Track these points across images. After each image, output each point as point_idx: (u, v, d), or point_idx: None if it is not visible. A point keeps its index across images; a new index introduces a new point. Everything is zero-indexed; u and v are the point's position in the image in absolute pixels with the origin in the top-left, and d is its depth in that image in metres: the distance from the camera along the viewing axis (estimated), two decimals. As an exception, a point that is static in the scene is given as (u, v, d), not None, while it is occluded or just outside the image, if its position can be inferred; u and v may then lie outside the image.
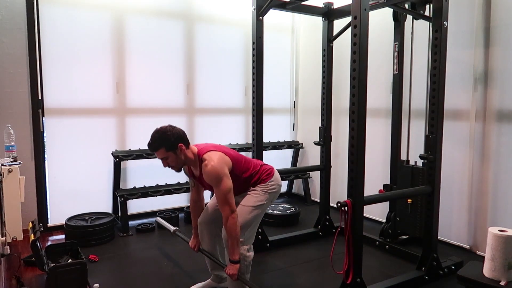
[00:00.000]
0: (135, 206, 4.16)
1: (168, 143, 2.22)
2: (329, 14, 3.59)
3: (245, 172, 2.40)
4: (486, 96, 3.16)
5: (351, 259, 2.32)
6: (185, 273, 2.95)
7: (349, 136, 2.34)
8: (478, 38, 3.17)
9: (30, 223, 2.81)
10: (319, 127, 3.69)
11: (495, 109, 3.12)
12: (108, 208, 4.03)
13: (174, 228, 2.95)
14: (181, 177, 3.98)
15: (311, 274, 2.95)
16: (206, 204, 2.60)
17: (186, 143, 2.28)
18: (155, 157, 2.32)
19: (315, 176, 4.83)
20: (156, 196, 4.03)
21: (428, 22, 3.01)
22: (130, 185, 4.10)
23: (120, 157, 3.89)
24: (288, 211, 4.16)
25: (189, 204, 4.40)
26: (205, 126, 4.55)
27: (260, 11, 3.13)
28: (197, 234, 2.61)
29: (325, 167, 3.72)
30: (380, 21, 3.53)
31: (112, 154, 3.92)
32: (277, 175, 2.53)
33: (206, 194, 2.54)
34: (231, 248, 2.26)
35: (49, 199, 3.82)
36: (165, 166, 2.32)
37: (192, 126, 4.48)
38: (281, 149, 4.94)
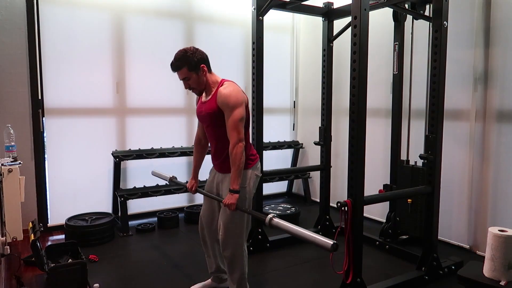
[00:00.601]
0: (135, 206, 4.16)
1: (191, 63, 2.20)
2: (329, 14, 3.59)
3: (245, 131, 2.29)
4: (486, 96, 3.16)
5: (351, 259, 2.32)
6: (185, 273, 2.95)
7: (349, 136, 2.34)
8: (478, 38, 3.17)
9: (30, 223, 2.81)
10: (319, 127, 3.69)
11: (495, 109, 3.12)
12: (108, 208, 4.03)
13: (170, 176, 2.86)
14: (181, 177, 3.98)
15: (311, 274, 2.95)
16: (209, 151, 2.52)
17: (209, 66, 2.28)
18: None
19: (315, 176, 4.83)
20: (156, 196, 4.03)
21: (428, 22, 3.01)
22: (130, 185, 4.10)
23: (120, 157, 3.89)
24: (288, 211, 4.16)
25: (189, 204, 4.44)
26: (205, 126, 4.55)
27: (260, 11, 3.13)
28: (195, 174, 2.59)
29: (325, 167, 3.72)
30: (380, 21, 3.52)
31: (112, 154, 3.92)
32: (258, 164, 2.43)
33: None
34: (233, 177, 2.18)
35: (49, 199, 3.82)
36: (186, 87, 2.30)
37: (192, 126, 4.47)
38: (281, 149, 4.94)
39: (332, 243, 1.78)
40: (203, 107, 2.33)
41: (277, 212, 4.10)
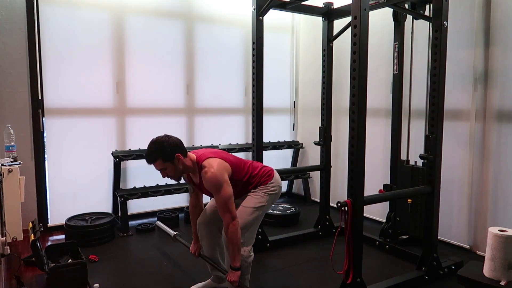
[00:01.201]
0: (135, 206, 4.16)
1: (165, 154, 2.20)
2: (329, 14, 3.59)
3: (245, 176, 2.39)
4: (486, 96, 3.16)
5: (351, 259, 2.32)
6: (185, 273, 2.94)
7: (349, 136, 2.34)
8: (478, 38, 3.17)
9: (30, 223, 2.81)
10: (319, 127, 3.69)
11: (495, 109, 3.12)
12: (108, 208, 4.03)
13: (175, 233, 2.94)
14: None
15: (311, 274, 2.95)
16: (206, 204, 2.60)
17: (184, 152, 2.27)
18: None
19: (315, 176, 4.83)
20: (156, 196, 4.03)
21: (428, 22, 3.01)
22: (130, 185, 4.10)
23: (120, 157, 3.89)
24: (288, 211, 4.16)
25: (189, 204, 4.43)
26: (205, 126, 4.55)
27: (260, 11, 3.13)
28: (197, 239, 2.60)
29: (325, 167, 3.72)
30: (380, 21, 3.53)
31: (112, 154, 3.92)
32: (277, 176, 2.52)
33: (205, 198, 2.53)
34: (232, 255, 2.25)
35: (49, 199, 3.82)
36: (164, 176, 2.30)
37: (192, 126, 4.48)
38: (281, 149, 4.94)
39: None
40: (203, 188, 2.36)
41: (277, 212, 4.10)
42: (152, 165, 2.26)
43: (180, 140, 2.29)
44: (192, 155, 2.32)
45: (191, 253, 2.63)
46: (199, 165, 2.28)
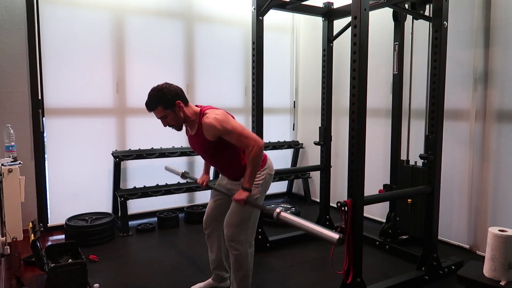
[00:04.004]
0: (135, 206, 4.16)
1: (165, 101, 2.16)
2: (329, 14, 3.59)
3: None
4: (486, 96, 3.16)
5: (351, 259, 2.32)
6: (185, 273, 2.94)
7: (349, 136, 2.34)
8: (478, 38, 3.17)
9: (30, 223, 2.81)
10: (319, 127, 3.69)
11: (495, 109, 3.12)
12: (108, 208, 4.03)
13: (183, 171, 2.89)
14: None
15: (311, 274, 2.95)
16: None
17: (185, 100, 2.23)
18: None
19: (315, 176, 4.83)
20: (156, 196, 4.03)
21: (428, 22, 3.02)
22: (130, 185, 4.10)
23: (120, 157, 3.89)
24: (288, 211, 4.15)
25: (189, 204, 4.45)
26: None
27: (260, 11, 3.13)
28: (207, 170, 2.61)
29: (325, 167, 3.72)
30: (380, 21, 3.53)
31: (112, 154, 3.92)
32: (270, 162, 2.44)
33: (206, 198, 2.53)
34: (249, 175, 2.18)
35: (49, 199, 3.82)
36: (165, 125, 2.26)
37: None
38: (281, 149, 4.94)
39: (338, 237, 1.78)
40: (194, 142, 2.34)
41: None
42: (152, 161, 2.18)
43: (181, 88, 2.25)
44: (195, 107, 2.29)
45: (199, 183, 2.61)
46: (202, 113, 2.23)
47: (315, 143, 3.72)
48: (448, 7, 2.65)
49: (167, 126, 2.28)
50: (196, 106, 2.31)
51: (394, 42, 3.40)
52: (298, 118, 5.23)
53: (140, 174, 4.17)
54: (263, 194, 2.39)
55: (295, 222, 1.99)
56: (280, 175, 4.63)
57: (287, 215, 2.03)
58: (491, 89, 3.13)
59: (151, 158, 4.03)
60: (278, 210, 2.05)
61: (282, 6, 3.29)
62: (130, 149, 4.08)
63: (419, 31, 3.45)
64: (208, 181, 2.60)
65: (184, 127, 2.34)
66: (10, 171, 2.93)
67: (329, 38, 3.61)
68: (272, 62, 4.70)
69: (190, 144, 2.43)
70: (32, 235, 2.59)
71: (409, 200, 3.27)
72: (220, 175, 2.53)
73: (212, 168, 2.69)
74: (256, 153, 2.16)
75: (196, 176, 2.84)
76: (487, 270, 2.17)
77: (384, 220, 3.63)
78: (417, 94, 3.46)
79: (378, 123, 4.03)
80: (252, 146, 2.15)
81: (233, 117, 2.30)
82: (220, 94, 4.63)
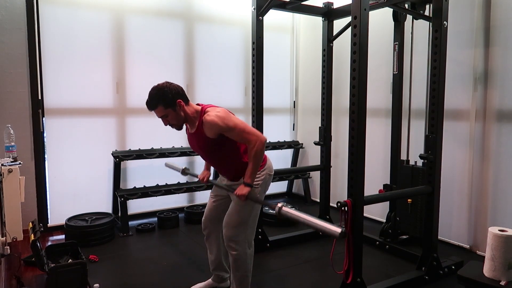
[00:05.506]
0: (135, 206, 4.16)
1: (166, 100, 2.16)
2: (329, 14, 3.59)
3: (242, 144, 2.30)
4: (486, 96, 3.16)
5: (351, 259, 2.32)
6: (185, 273, 2.95)
7: (349, 136, 2.34)
8: (478, 38, 3.17)
9: (30, 223, 2.81)
10: (319, 127, 3.69)
11: (495, 109, 3.12)
12: (108, 208, 4.03)
13: (183, 168, 2.88)
14: (181, 177, 3.98)
15: (311, 274, 2.95)
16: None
17: (185, 99, 2.23)
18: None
19: (315, 176, 4.83)
20: (156, 196, 4.03)
21: (428, 22, 3.02)
22: (130, 185, 4.10)
23: (120, 157, 3.89)
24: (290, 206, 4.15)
25: (189, 204, 4.44)
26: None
27: (260, 11, 3.13)
28: (207, 167, 2.61)
29: (325, 167, 3.72)
30: (380, 21, 3.53)
31: (112, 154, 3.92)
32: (269, 162, 2.44)
33: (205, 198, 2.53)
34: (250, 171, 2.19)
35: (49, 199, 3.82)
36: (165, 124, 2.26)
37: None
38: (281, 149, 4.94)
39: (340, 230, 1.78)
40: (193, 140, 2.33)
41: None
42: (152, 161, 2.19)
43: (181, 87, 2.25)
44: (196, 106, 2.29)
45: (200, 179, 2.61)
46: (203, 111, 2.23)
47: (315, 143, 3.72)
48: (448, 7, 2.65)
49: (168, 125, 2.28)
50: (197, 104, 2.32)
51: (394, 42, 3.40)
52: (298, 118, 5.23)
53: (140, 174, 4.17)
54: (262, 194, 2.39)
55: (297, 216, 1.99)
56: (280, 175, 4.63)
57: (289, 210, 2.04)
58: (491, 89, 3.13)
59: (151, 158, 4.03)
60: (280, 204, 2.05)
61: (282, 6, 3.29)
62: (130, 149, 4.08)
63: (419, 31, 3.45)
64: (209, 176, 2.60)
65: (184, 126, 2.34)
66: (10, 171, 2.92)
67: (329, 38, 3.61)
68: (272, 62, 4.70)
69: (189, 142, 2.43)
70: (32, 235, 2.59)
71: (409, 200, 3.28)
72: (219, 176, 2.53)
73: (212, 169, 2.69)
74: (259, 148, 2.17)
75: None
76: (487, 270, 2.17)
77: (384, 220, 3.63)
78: (417, 94, 3.46)
79: (378, 123, 4.03)
80: (255, 141, 2.16)
81: (234, 115, 2.30)
82: (220, 94, 4.63)
